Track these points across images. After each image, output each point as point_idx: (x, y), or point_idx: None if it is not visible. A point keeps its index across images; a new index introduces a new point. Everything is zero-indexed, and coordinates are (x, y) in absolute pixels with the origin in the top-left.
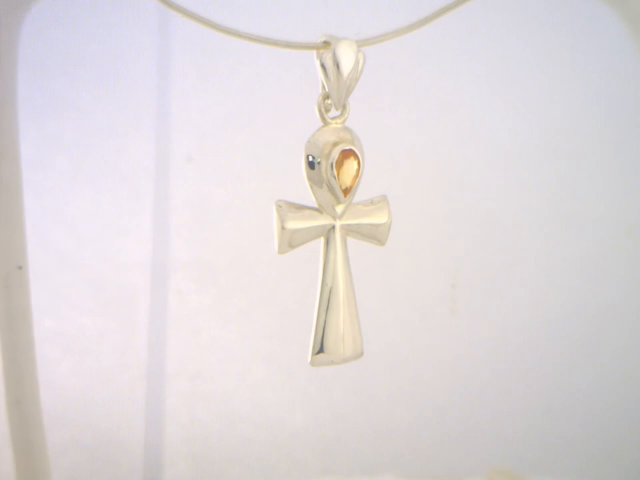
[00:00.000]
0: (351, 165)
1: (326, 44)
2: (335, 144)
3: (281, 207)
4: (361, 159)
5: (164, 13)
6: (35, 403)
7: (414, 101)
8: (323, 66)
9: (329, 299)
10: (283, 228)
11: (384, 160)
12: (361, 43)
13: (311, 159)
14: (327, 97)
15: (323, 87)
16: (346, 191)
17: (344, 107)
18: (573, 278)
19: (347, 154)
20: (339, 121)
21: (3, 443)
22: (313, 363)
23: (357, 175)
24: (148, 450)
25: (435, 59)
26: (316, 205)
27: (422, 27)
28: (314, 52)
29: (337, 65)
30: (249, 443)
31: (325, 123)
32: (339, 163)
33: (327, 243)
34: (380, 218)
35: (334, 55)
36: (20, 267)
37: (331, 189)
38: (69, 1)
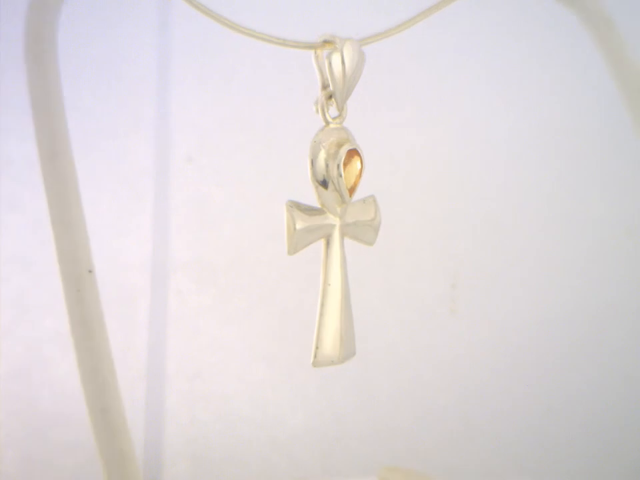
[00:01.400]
0: (355, 165)
1: (326, 43)
2: (339, 144)
3: (292, 207)
4: (363, 159)
5: (164, 12)
6: (120, 410)
7: (414, 100)
8: (330, 65)
9: (331, 299)
10: (294, 229)
11: (384, 160)
12: (362, 42)
13: (316, 159)
14: (329, 96)
15: (323, 86)
16: (350, 191)
17: (343, 107)
18: (573, 278)
19: (351, 154)
20: (338, 121)
21: (6, 445)
22: (315, 364)
23: (359, 175)
24: (148, 450)
25: (434, 59)
26: (318, 205)
27: (418, 23)
28: (313, 51)
29: (344, 65)
30: (249, 442)
31: (327, 123)
32: (345, 163)
33: (328, 242)
34: (371, 217)
35: (342, 54)
36: (90, 271)
37: (337, 189)
38: (68, 0)
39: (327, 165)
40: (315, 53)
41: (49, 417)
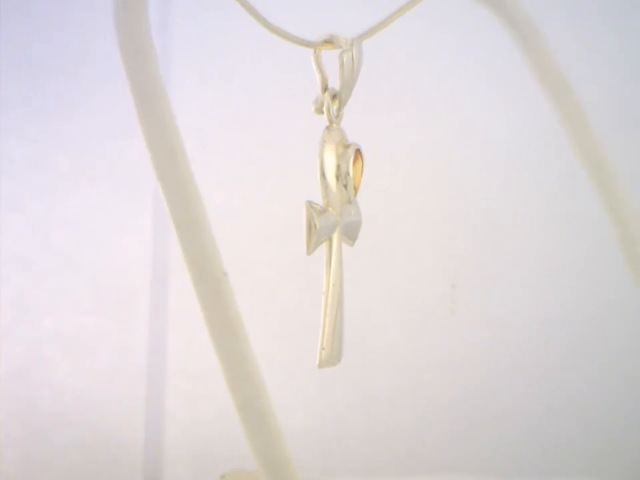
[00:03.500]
0: (358, 164)
1: (326, 43)
2: (345, 144)
3: (311, 206)
4: (363, 158)
5: (164, 13)
6: (274, 413)
7: (414, 100)
8: (342, 65)
9: (334, 300)
10: (315, 228)
11: (383, 160)
12: (361, 39)
13: (326, 158)
14: (333, 96)
15: (325, 86)
16: (355, 190)
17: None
18: (573, 278)
19: (356, 154)
20: (336, 121)
21: (6, 445)
22: (320, 365)
23: (361, 174)
24: (148, 450)
25: (434, 59)
26: (323, 204)
27: (405, 12)
28: (312, 50)
29: (354, 65)
30: None
31: (331, 123)
32: (353, 163)
33: (331, 242)
34: (357, 217)
35: (352, 54)
36: (225, 274)
37: (347, 188)
38: (69, 0)
39: (338, 165)
40: (315, 52)
41: (48, 417)
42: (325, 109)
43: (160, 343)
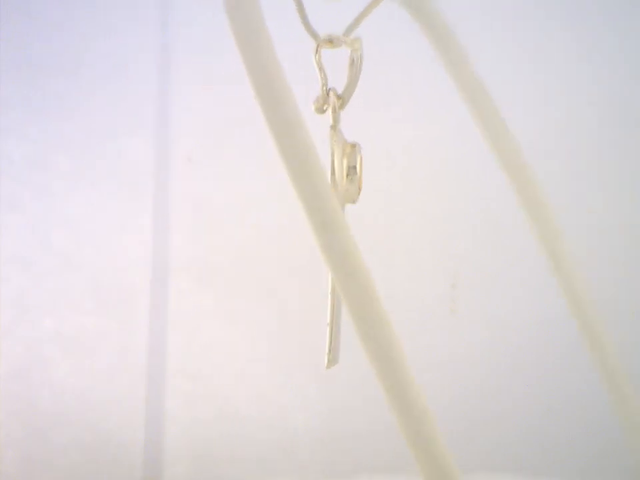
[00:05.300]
0: (361, 163)
1: (328, 42)
2: (351, 143)
3: None
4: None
5: (164, 13)
6: (432, 413)
7: (410, 95)
8: (352, 64)
9: (337, 301)
10: None
11: (380, 155)
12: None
13: (337, 158)
14: (337, 95)
15: (325, 86)
16: (359, 190)
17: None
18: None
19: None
20: (338, 120)
21: (6, 445)
22: (328, 366)
23: (361, 172)
24: (148, 450)
25: (431, 54)
26: None
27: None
28: (314, 50)
29: (361, 63)
30: (249, 442)
31: (335, 122)
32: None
33: None
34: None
35: (361, 53)
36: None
37: (354, 187)
38: (69, 0)
39: (348, 165)
40: (316, 51)
41: (48, 417)
42: (330, 109)
43: (160, 343)
